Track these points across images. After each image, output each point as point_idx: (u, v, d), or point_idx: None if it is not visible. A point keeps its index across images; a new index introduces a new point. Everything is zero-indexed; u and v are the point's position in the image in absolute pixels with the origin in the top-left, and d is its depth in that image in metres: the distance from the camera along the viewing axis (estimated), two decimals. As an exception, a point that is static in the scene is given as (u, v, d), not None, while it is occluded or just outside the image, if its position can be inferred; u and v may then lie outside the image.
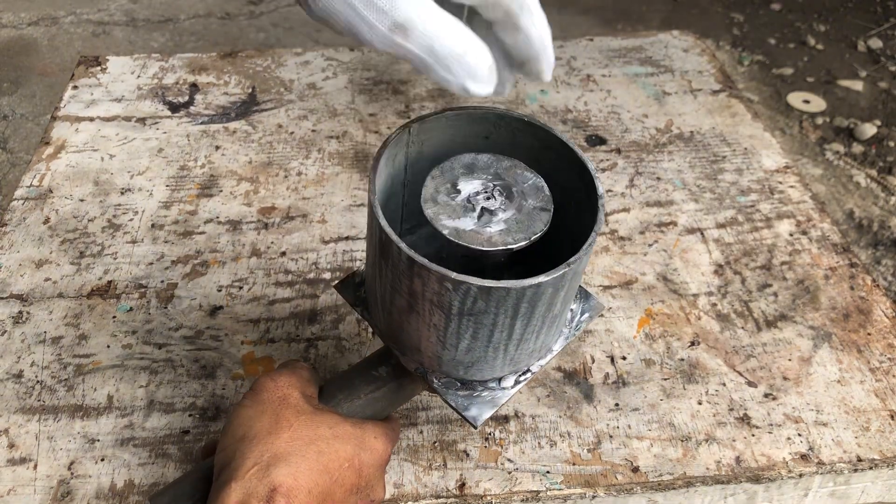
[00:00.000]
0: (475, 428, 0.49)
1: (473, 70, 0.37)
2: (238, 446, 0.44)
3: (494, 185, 0.46)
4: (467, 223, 0.44)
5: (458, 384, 0.49)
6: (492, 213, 0.44)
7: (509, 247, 0.43)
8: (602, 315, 0.68)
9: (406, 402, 0.55)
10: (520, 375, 0.50)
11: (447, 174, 0.46)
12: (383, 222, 0.42)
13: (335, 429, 0.46)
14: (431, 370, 0.49)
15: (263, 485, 0.41)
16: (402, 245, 0.41)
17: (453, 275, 0.39)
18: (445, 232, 0.43)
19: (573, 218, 0.48)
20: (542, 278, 0.40)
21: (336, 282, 0.55)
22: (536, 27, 0.41)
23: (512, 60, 0.43)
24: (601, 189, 0.45)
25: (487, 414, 0.48)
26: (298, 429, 0.45)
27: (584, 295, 0.54)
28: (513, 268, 0.52)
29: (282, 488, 0.41)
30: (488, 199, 0.45)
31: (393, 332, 0.49)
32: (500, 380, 0.49)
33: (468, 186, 0.46)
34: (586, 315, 0.53)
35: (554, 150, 0.48)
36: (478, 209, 0.44)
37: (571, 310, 0.53)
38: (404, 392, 0.52)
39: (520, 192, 0.46)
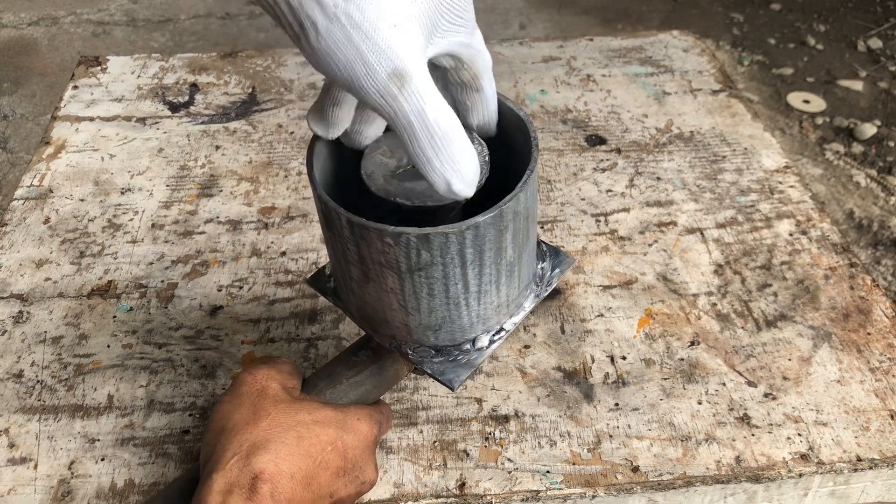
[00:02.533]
0: (452, 390, 0.49)
1: (460, 164, 0.37)
2: (218, 439, 0.44)
3: None
4: (402, 182, 0.44)
5: (433, 352, 0.49)
6: None
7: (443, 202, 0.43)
8: (602, 315, 0.68)
9: (393, 385, 0.55)
10: (494, 335, 0.49)
11: (389, 139, 0.47)
12: (319, 191, 0.42)
13: (315, 414, 0.46)
14: (404, 342, 0.49)
15: (245, 473, 0.42)
16: (340, 209, 0.41)
17: (391, 228, 0.40)
18: (373, 188, 0.44)
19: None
20: (478, 218, 0.40)
21: (309, 275, 0.56)
22: (493, 88, 0.44)
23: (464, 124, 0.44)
24: (532, 128, 0.45)
25: (464, 376, 0.48)
26: (277, 416, 0.45)
27: (553, 252, 0.54)
28: None
29: (263, 475, 0.42)
30: None
31: (361, 311, 0.49)
32: (473, 341, 0.49)
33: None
34: (557, 271, 0.53)
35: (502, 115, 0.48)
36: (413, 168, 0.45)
37: (542, 267, 0.53)
38: (387, 373, 0.53)
39: None
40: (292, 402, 0.46)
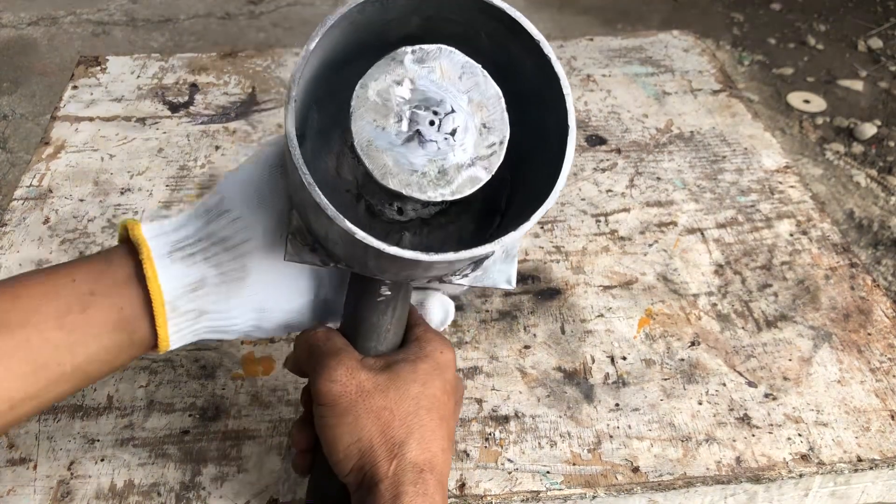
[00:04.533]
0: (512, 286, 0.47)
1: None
2: (364, 461, 0.44)
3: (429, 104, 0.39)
4: (407, 156, 0.38)
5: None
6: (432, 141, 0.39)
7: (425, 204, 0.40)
8: (602, 315, 0.68)
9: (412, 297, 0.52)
10: None
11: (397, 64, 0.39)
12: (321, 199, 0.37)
13: (417, 376, 0.46)
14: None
15: (407, 472, 0.43)
16: (362, 234, 0.37)
17: (425, 257, 0.37)
18: (377, 175, 0.38)
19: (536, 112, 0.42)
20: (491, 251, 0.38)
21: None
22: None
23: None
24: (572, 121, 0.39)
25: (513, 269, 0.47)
26: (397, 404, 0.44)
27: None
28: None
29: (423, 466, 0.43)
30: (431, 122, 0.39)
31: (332, 248, 0.44)
32: None
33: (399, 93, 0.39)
34: None
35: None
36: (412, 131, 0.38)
37: None
38: (407, 291, 0.49)
39: (472, 103, 0.39)
40: (390, 379, 0.45)
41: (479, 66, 0.39)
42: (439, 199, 0.38)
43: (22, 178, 0.81)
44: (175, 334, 0.45)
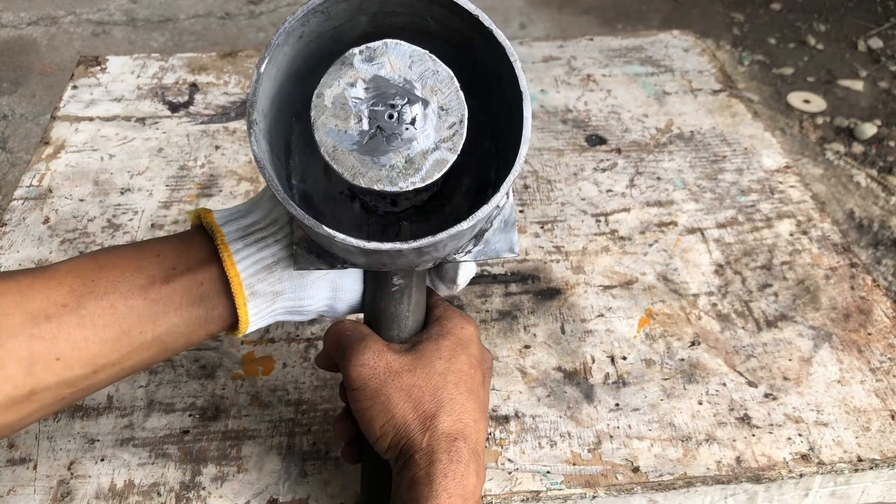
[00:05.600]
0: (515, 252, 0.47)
1: None
2: (399, 437, 0.45)
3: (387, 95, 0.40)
4: (373, 157, 0.39)
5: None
6: (392, 135, 0.39)
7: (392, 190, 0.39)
8: (602, 315, 0.68)
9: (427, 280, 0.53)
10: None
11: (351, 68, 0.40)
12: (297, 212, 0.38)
13: (441, 353, 0.47)
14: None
15: (440, 441, 0.44)
16: (346, 238, 0.38)
17: (403, 245, 0.39)
18: (347, 176, 0.39)
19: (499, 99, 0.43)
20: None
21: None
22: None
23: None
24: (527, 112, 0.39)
25: (516, 236, 0.47)
26: (426, 380, 0.46)
27: None
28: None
29: (455, 435, 0.44)
30: (390, 115, 0.39)
31: (330, 250, 0.46)
32: None
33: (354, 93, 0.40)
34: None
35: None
36: (373, 128, 0.39)
37: None
38: (420, 277, 0.50)
39: (427, 90, 0.40)
40: (415, 358, 0.47)
41: (426, 51, 0.40)
42: (410, 188, 0.39)
43: (22, 178, 0.81)
44: (254, 315, 0.47)
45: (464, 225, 0.39)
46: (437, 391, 0.46)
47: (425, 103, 0.40)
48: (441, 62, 0.40)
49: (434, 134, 0.40)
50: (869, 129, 2.06)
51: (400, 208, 0.46)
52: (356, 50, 0.40)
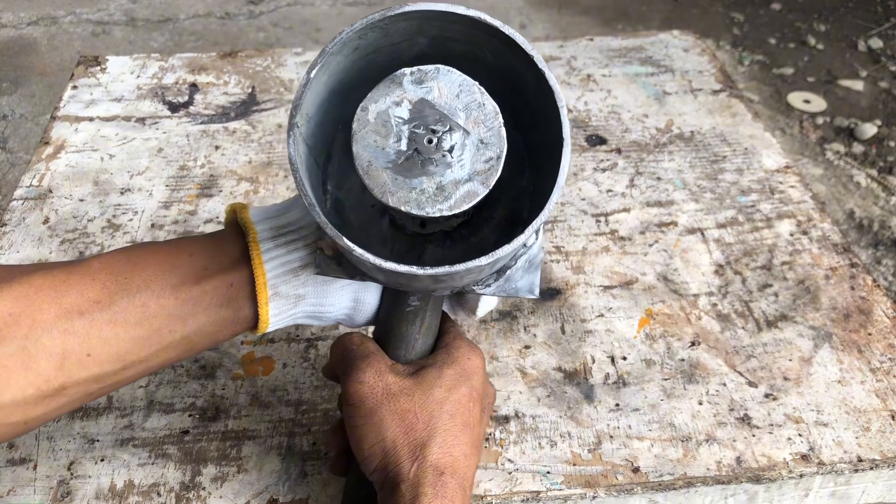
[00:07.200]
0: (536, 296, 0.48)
1: None
2: (387, 460, 0.45)
3: (428, 120, 0.40)
4: (406, 178, 0.40)
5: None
6: (432, 160, 0.40)
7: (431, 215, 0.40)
8: (602, 315, 0.68)
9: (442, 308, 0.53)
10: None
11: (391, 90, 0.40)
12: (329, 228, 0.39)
13: (443, 381, 0.47)
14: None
15: (428, 475, 0.43)
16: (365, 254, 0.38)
17: (420, 271, 0.39)
18: (377, 193, 0.39)
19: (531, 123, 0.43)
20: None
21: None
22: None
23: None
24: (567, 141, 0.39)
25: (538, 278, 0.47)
26: (422, 407, 0.46)
27: None
28: None
29: (444, 469, 0.44)
30: (429, 140, 0.40)
31: (351, 261, 0.46)
32: None
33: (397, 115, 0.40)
34: None
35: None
36: (411, 151, 0.40)
37: None
38: (437, 302, 0.50)
39: (468, 121, 0.40)
40: (415, 383, 0.47)
41: (476, 83, 0.40)
42: (437, 215, 0.39)
43: (22, 178, 0.81)
44: (275, 316, 0.47)
45: (482, 261, 0.39)
46: (431, 419, 0.45)
47: (466, 133, 0.40)
48: (489, 96, 0.40)
49: (469, 165, 0.40)
50: (869, 129, 2.06)
51: (428, 231, 0.46)
52: (407, 70, 0.40)
